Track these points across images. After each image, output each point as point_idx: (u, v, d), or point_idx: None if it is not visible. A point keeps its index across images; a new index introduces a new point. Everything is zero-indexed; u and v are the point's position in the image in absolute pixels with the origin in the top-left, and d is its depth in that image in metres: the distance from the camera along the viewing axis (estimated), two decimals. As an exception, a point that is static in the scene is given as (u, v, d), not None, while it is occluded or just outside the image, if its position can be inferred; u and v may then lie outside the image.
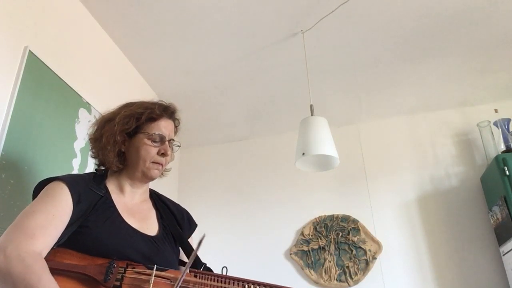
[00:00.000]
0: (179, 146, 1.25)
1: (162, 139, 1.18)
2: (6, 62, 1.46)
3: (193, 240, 1.26)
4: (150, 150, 1.16)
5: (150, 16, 2.05)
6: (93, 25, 2.05)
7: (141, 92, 2.45)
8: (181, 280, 0.91)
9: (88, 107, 1.91)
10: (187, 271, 0.91)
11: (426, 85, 2.70)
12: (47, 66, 1.65)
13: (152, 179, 1.19)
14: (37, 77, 1.59)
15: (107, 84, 2.14)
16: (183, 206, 1.31)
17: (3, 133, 1.40)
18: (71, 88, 1.80)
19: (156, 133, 1.17)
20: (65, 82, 1.76)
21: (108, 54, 2.19)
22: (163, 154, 1.18)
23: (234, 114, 2.93)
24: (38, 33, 1.64)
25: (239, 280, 1.01)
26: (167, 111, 1.23)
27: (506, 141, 2.51)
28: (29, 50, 1.55)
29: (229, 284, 1.00)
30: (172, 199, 1.32)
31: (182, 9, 2.01)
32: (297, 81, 2.56)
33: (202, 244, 0.90)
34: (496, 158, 2.38)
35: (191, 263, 0.94)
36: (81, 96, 1.87)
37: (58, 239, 0.96)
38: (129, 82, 2.39)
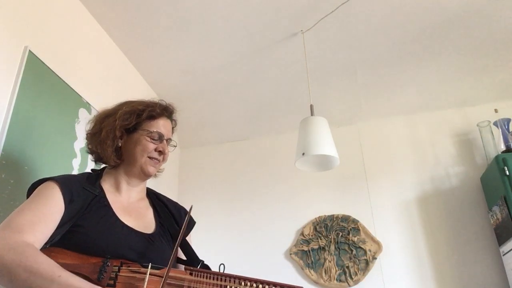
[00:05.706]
0: (175, 146, 1.27)
1: (160, 138, 1.19)
2: (6, 62, 1.46)
3: (191, 238, 1.25)
4: (148, 145, 1.17)
5: (150, 16, 2.05)
6: (93, 25, 2.05)
7: (141, 92, 2.45)
8: (168, 273, 0.88)
9: (88, 107, 1.91)
10: (175, 257, 0.87)
11: (426, 85, 2.70)
12: (47, 66, 1.65)
13: (148, 175, 1.19)
14: (37, 77, 1.59)
15: (107, 84, 2.14)
16: (183, 205, 1.30)
17: (3, 133, 1.40)
18: (71, 88, 1.80)
19: (155, 131, 1.18)
20: (65, 82, 1.76)
21: (108, 54, 2.19)
22: (160, 152, 1.19)
23: (234, 114, 2.93)
24: (38, 33, 1.65)
25: (236, 277, 1.00)
26: (167, 110, 1.25)
27: (506, 141, 2.51)
28: (29, 50, 1.55)
29: (225, 281, 0.99)
30: (172, 199, 1.32)
31: (182, 10, 2.02)
32: (297, 81, 2.56)
33: (191, 213, 0.87)
34: (496, 158, 2.38)
35: (179, 244, 0.89)
36: (81, 96, 1.87)
37: (51, 238, 0.96)
38: (129, 82, 2.39)
